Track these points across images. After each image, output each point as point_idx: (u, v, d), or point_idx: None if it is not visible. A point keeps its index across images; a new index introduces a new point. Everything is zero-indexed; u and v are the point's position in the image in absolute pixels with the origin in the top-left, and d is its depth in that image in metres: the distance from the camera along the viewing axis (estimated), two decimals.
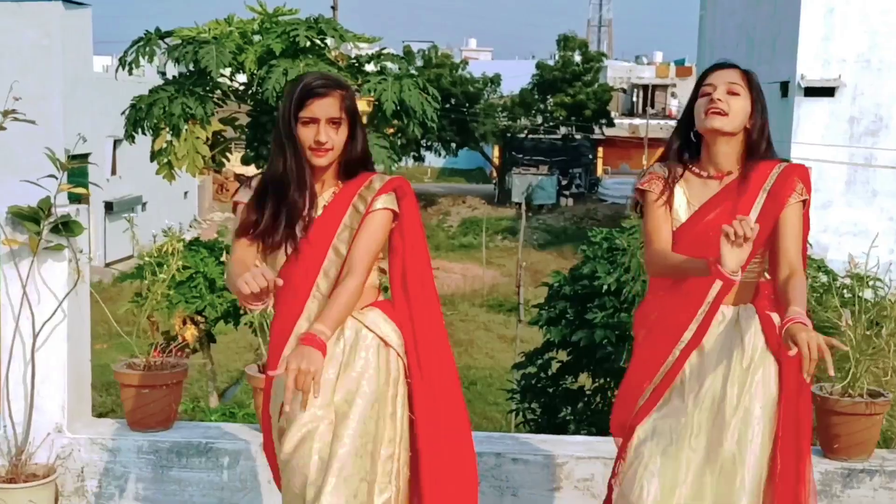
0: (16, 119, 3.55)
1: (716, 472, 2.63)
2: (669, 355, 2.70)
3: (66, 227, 3.62)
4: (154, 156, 6.60)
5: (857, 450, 3.61)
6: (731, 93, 2.66)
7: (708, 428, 2.65)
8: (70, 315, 3.72)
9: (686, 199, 2.74)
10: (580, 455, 3.73)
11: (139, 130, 6.50)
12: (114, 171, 28.13)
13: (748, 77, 2.70)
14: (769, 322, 2.68)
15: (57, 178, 3.62)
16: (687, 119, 2.76)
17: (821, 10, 21.96)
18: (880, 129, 22.02)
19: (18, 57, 22.72)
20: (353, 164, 2.65)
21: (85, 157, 24.03)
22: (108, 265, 26.70)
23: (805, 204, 2.71)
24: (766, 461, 2.64)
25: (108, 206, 27.55)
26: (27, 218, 3.57)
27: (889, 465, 3.61)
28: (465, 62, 44.80)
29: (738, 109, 2.66)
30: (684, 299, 2.70)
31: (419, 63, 41.80)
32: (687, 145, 2.77)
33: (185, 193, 32.00)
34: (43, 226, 3.58)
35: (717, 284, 2.61)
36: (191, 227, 30.78)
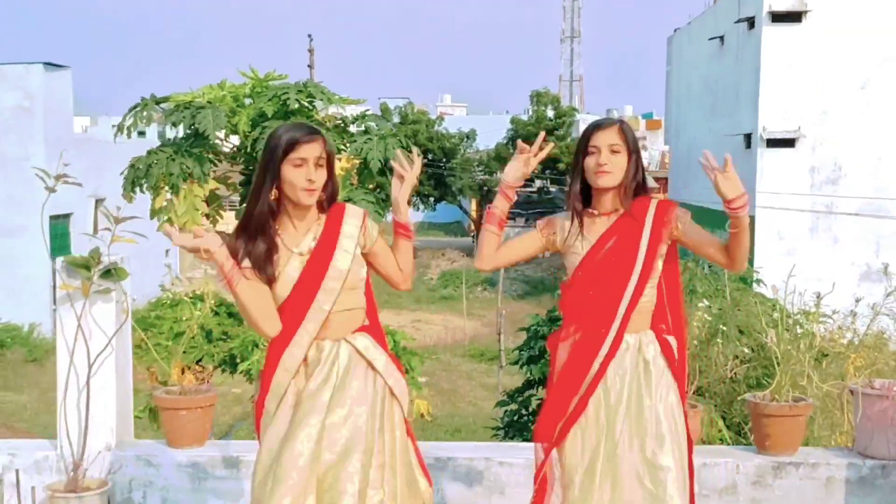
0: (66, 182, 4.10)
1: (644, 480, 2.99)
2: (587, 375, 3.09)
3: (114, 272, 4.16)
4: (154, 213, 7.07)
5: (785, 446, 4.19)
6: (613, 151, 3.12)
7: (631, 439, 3.01)
8: (117, 349, 4.28)
9: (583, 235, 3.20)
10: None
11: (137, 189, 6.95)
12: (95, 231, 28.51)
13: (625, 133, 3.14)
14: (667, 345, 3.12)
15: (111, 231, 4.16)
16: (577, 168, 3.23)
17: (780, 64, 22.81)
18: (840, 178, 22.82)
19: (0, 118, 23.21)
20: (331, 201, 3.03)
21: (66, 216, 24.45)
22: None
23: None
24: (686, 464, 3.06)
25: None
26: (80, 265, 4.13)
27: (811, 458, 4.19)
28: (441, 118, 45.67)
29: (619, 166, 3.13)
30: (592, 329, 3.12)
31: (396, 119, 42.60)
32: (581, 190, 3.22)
33: (167, 251, 32.35)
34: (94, 272, 4.13)
35: (619, 318, 3.08)
36: (172, 284, 30.99)
